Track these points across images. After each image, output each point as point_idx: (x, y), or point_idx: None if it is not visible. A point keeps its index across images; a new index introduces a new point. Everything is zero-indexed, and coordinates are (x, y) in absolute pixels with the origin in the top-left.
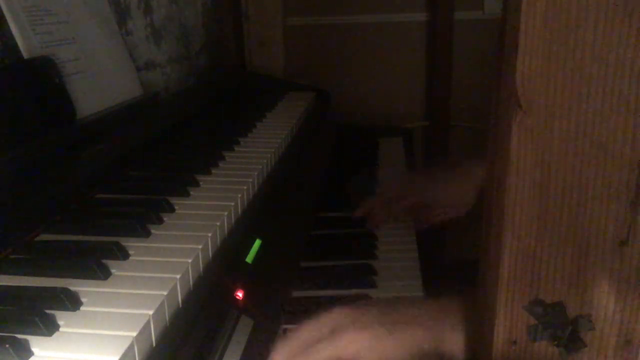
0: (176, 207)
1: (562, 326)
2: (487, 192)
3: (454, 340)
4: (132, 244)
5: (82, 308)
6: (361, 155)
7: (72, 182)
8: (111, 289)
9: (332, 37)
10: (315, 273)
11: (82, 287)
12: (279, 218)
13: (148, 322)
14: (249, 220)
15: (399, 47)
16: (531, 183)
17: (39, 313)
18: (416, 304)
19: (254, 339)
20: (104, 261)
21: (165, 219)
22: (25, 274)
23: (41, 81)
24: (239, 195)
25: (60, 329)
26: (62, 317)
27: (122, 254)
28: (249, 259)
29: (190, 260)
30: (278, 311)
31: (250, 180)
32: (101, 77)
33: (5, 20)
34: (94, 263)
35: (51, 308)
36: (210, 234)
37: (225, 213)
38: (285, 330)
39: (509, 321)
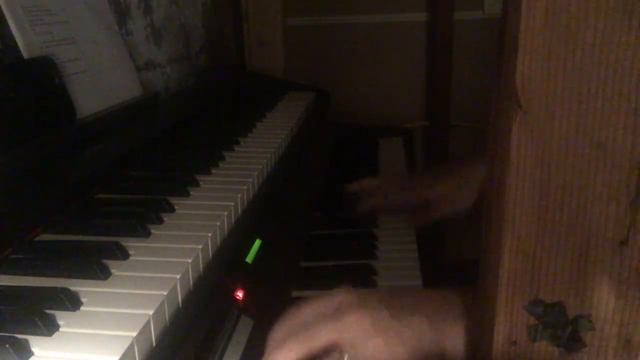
0: (176, 207)
1: (562, 326)
2: (487, 192)
3: (455, 334)
4: (132, 244)
5: (82, 308)
6: (361, 155)
7: (72, 182)
8: (111, 289)
9: (332, 37)
10: (315, 273)
11: (82, 287)
12: (278, 218)
13: (148, 322)
14: (249, 220)
15: (399, 47)
16: (531, 183)
17: (39, 313)
18: (420, 294)
19: (254, 339)
20: (104, 261)
21: (165, 219)
22: (25, 274)
23: (41, 81)
24: (239, 195)
25: (60, 329)
26: (62, 317)
27: (122, 254)
28: (249, 259)
29: (190, 260)
30: (278, 311)
31: (250, 180)
32: (101, 77)
33: (5, 20)
34: (94, 263)
35: (51, 308)
36: (210, 234)
37: (225, 213)
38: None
39: (509, 321)
